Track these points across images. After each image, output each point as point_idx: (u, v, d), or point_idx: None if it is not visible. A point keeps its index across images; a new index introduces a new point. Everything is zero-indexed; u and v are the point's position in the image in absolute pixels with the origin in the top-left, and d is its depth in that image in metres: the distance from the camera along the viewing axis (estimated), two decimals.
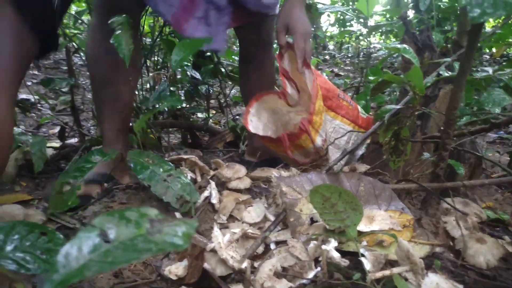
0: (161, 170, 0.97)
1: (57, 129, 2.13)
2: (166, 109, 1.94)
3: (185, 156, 1.08)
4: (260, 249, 0.82)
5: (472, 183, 0.86)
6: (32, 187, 1.28)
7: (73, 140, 1.87)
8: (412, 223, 0.80)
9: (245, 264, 0.69)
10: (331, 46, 3.67)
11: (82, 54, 1.79)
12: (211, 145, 1.86)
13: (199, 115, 2.36)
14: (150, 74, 1.88)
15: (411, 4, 2.64)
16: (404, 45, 0.89)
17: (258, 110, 1.32)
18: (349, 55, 3.63)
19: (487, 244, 0.74)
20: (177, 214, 0.94)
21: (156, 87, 1.80)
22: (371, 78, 1.82)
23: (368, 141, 1.34)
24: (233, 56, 2.00)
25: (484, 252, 0.73)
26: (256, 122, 1.31)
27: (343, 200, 0.72)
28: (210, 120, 2.18)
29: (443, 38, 2.23)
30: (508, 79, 0.87)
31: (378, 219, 0.80)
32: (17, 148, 1.38)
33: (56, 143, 1.74)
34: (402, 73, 1.19)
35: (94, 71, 1.20)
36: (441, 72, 0.92)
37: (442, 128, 0.84)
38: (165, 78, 1.67)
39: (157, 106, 1.14)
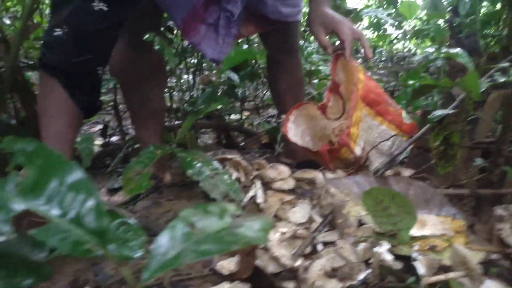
0: (208, 168, 0.99)
1: (97, 128, 2.21)
2: None
3: (229, 156, 1.11)
4: (307, 249, 0.83)
5: None
6: None
7: (114, 139, 1.93)
8: (464, 229, 0.79)
9: (299, 263, 0.70)
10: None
11: None
12: (247, 146, 1.88)
13: (232, 116, 2.40)
14: (189, 76, 1.93)
15: (449, 8, 2.58)
16: (457, 50, 0.88)
17: (296, 117, 1.34)
18: (383, 59, 3.59)
19: None
20: None
21: (196, 88, 1.85)
22: (410, 82, 1.79)
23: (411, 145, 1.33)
24: None
25: None
26: (295, 130, 1.33)
27: (396, 203, 0.72)
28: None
29: (484, 43, 2.18)
30: None
31: (429, 224, 0.79)
32: None
33: (99, 141, 1.80)
34: (448, 78, 1.17)
35: (122, 80, 1.24)
36: (495, 78, 0.90)
37: (497, 133, 0.83)
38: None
39: (201, 107, 1.17)
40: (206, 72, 2.29)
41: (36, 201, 0.31)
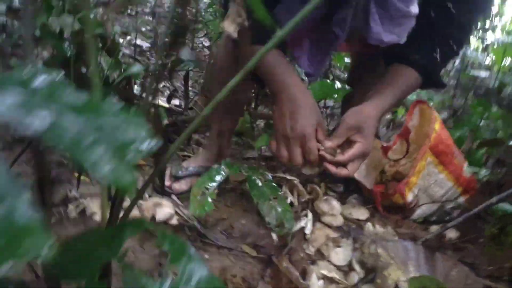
0: (269, 190, 1.06)
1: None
2: None
3: (288, 177, 1.17)
4: None
5: None
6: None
7: (177, 102, 2.03)
8: None
9: None
10: None
11: None
12: None
13: None
14: None
15: None
16: None
17: None
18: (455, 65, 3.39)
19: None
20: (273, 235, 1.05)
21: None
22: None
23: (463, 198, 1.34)
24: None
25: None
26: None
27: None
28: None
29: None
30: None
31: None
32: None
33: (163, 103, 1.89)
34: None
35: (219, 76, 1.28)
36: None
37: None
38: None
39: None
40: None
41: None
